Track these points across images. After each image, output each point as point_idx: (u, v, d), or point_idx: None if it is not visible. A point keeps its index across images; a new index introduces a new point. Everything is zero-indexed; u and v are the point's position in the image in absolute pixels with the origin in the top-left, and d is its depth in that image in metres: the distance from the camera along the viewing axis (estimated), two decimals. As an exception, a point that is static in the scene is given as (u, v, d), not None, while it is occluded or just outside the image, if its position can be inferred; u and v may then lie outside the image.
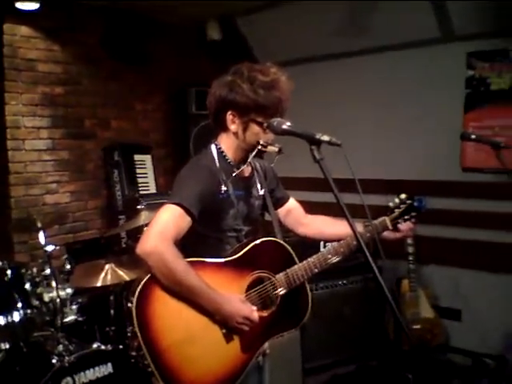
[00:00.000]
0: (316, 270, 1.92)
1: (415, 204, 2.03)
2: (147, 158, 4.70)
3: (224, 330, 1.79)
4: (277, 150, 1.84)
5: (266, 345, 1.95)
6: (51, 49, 4.18)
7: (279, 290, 1.90)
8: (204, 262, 1.83)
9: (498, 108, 3.72)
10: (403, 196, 2.03)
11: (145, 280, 1.73)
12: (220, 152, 1.92)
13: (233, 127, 1.87)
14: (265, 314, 1.88)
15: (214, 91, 1.88)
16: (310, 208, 4.79)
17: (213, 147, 1.93)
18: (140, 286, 1.73)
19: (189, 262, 1.76)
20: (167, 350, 1.71)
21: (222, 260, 1.85)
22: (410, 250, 3.80)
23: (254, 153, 1.89)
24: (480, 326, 3.85)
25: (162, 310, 1.74)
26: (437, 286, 4.04)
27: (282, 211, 2.19)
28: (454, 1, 3.56)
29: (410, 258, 3.80)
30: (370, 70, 4.30)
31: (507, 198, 3.51)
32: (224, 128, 1.91)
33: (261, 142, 1.84)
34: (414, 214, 2.01)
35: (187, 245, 1.84)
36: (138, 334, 1.70)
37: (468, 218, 3.84)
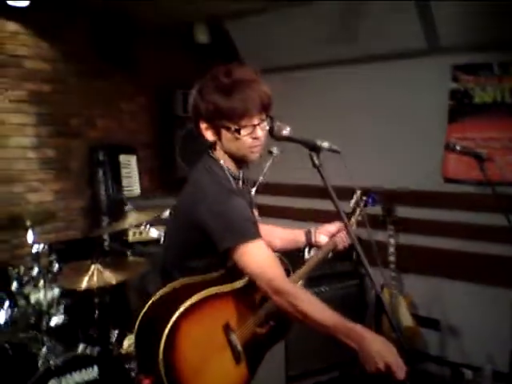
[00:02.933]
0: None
1: (369, 201, 2.28)
2: (132, 159, 4.68)
3: (236, 355, 1.76)
4: (276, 153, 1.85)
5: None
6: (39, 46, 4.15)
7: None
8: (217, 294, 1.76)
9: (481, 121, 3.79)
10: (358, 193, 2.22)
11: (171, 322, 1.62)
12: (226, 167, 1.84)
13: (209, 136, 1.80)
14: (266, 328, 1.91)
15: (190, 101, 1.82)
16: (300, 214, 4.82)
17: (222, 164, 1.84)
18: (168, 328, 1.61)
19: (204, 299, 1.71)
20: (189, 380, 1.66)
21: (233, 288, 1.81)
22: (391, 258, 3.85)
23: (268, 163, 1.89)
24: (458, 335, 3.91)
25: (189, 349, 1.65)
26: (417, 295, 4.07)
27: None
28: (441, 12, 3.62)
29: (391, 267, 3.85)
30: (356, 80, 4.34)
31: (488, 209, 3.55)
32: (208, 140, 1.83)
33: (273, 152, 1.83)
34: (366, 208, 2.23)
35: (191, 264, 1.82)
36: (163, 373, 1.59)
37: (449, 228, 3.89)
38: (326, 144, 1.64)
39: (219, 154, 1.84)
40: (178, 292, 1.75)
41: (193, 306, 1.68)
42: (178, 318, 1.63)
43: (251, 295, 1.88)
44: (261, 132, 1.77)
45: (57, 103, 4.27)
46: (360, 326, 1.58)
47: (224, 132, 1.76)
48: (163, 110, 4.96)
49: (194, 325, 1.68)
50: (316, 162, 1.63)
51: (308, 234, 2.27)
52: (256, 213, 2.08)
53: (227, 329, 1.76)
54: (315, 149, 1.64)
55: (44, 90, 4.18)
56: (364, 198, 2.28)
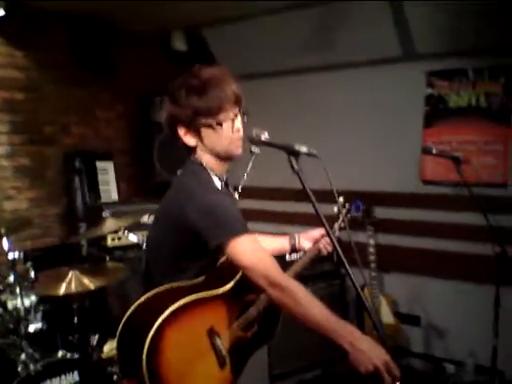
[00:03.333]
0: None
1: (352, 208, 2.37)
2: (109, 165, 4.63)
3: (221, 360, 1.75)
4: (257, 151, 1.85)
5: None
6: (12, 54, 4.08)
7: (261, 308, 1.92)
8: (201, 298, 1.74)
9: (456, 124, 3.87)
10: (341, 200, 2.23)
11: (155, 327, 1.60)
12: (209, 169, 1.84)
13: (190, 141, 1.80)
14: (250, 332, 1.90)
15: (162, 112, 1.84)
16: (280, 217, 4.84)
17: (206, 167, 1.83)
18: (151, 334, 1.59)
19: (188, 303, 1.69)
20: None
21: (218, 292, 1.79)
22: (372, 258, 3.89)
23: (251, 163, 1.89)
24: (439, 331, 3.99)
25: (173, 354, 1.64)
26: (397, 293, 4.15)
27: None
28: (415, 19, 3.69)
29: (372, 266, 3.90)
30: (333, 86, 4.39)
31: (464, 209, 3.64)
32: (187, 146, 1.83)
33: (254, 151, 1.84)
34: (353, 215, 2.32)
35: (184, 265, 1.81)
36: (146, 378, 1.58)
37: (427, 228, 3.98)
38: (304, 148, 1.64)
39: (202, 157, 1.84)
40: (162, 297, 1.73)
41: (177, 310, 1.67)
42: (162, 322, 1.62)
43: (236, 300, 1.87)
44: (239, 124, 1.81)
45: (30, 111, 4.20)
46: (352, 326, 1.60)
47: (204, 131, 1.78)
48: (141, 117, 4.93)
49: (178, 329, 1.66)
50: (295, 166, 1.64)
51: (292, 240, 2.28)
52: None
53: (212, 333, 1.75)
54: (294, 153, 1.65)
55: (17, 98, 4.10)
56: (347, 204, 2.31)
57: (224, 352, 1.77)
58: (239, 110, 1.82)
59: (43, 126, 4.32)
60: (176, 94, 1.78)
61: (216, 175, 1.85)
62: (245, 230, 1.70)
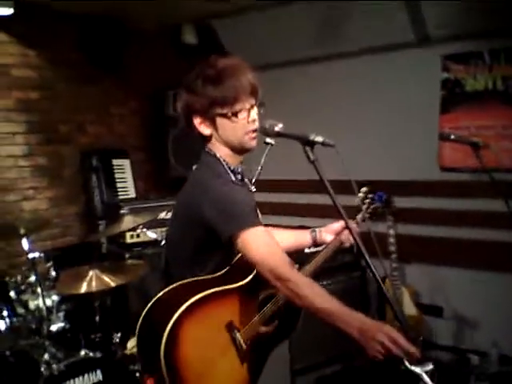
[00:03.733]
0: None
1: (375, 198, 2.19)
2: (126, 163, 4.65)
3: (241, 355, 1.75)
4: (273, 142, 1.83)
5: None
6: (25, 54, 4.10)
7: (280, 302, 1.88)
8: (219, 291, 1.75)
9: (473, 109, 3.79)
10: (364, 189, 2.15)
11: (174, 319, 1.62)
12: (223, 160, 1.83)
13: (205, 131, 1.81)
14: (271, 327, 1.90)
15: (178, 99, 1.86)
16: (297, 209, 4.81)
17: (220, 158, 1.83)
18: (169, 327, 1.61)
19: (205, 296, 1.70)
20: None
21: (235, 286, 1.79)
22: (392, 248, 3.84)
23: (265, 154, 1.87)
24: (462, 322, 3.93)
25: (192, 347, 1.65)
26: (419, 284, 4.10)
27: None
28: (428, 1, 3.62)
29: (393, 257, 3.85)
30: (348, 74, 4.34)
31: (485, 196, 3.58)
32: (203, 136, 1.83)
33: (269, 142, 1.81)
34: (376, 206, 2.16)
35: (199, 258, 1.82)
36: (164, 371, 1.59)
37: (447, 216, 3.91)
38: (319, 138, 1.61)
39: (216, 148, 1.84)
40: (180, 292, 1.73)
41: (194, 304, 1.67)
42: (179, 316, 1.62)
43: (255, 293, 1.86)
44: (255, 115, 1.80)
45: (45, 110, 4.23)
46: (361, 314, 1.58)
47: (220, 121, 1.78)
48: (154, 112, 4.93)
49: (196, 323, 1.66)
50: (311, 156, 1.61)
51: (313, 233, 2.24)
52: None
53: (231, 327, 1.74)
54: (309, 143, 1.61)
55: (32, 98, 4.14)
56: (371, 195, 2.21)
57: (244, 347, 1.76)
58: (255, 101, 1.81)
59: (58, 124, 4.35)
60: (192, 83, 1.78)
61: (230, 167, 1.84)
62: (257, 223, 1.70)
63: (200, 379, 1.65)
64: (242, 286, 1.80)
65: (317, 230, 2.25)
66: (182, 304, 1.64)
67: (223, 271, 1.81)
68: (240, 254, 1.78)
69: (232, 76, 1.74)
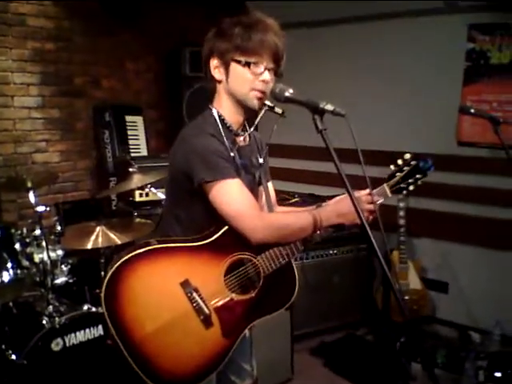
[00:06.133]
0: (302, 248, 1.81)
1: (420, 165, 1.86)
2: (139, 120, 4.61)
3: (202, 317, 1.69)
4: (280, 111, 1.77)
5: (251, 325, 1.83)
6: (42, 3, 4.04)
7: (261, 271, 1.77)
8: (176, 247, 1.73)
9: (497, 82, 3.67)
10: (407, 156, 1.87)
11: (114, 268, 1.64)
12: (220, 117, 1.81)
13: (217, 75, 1.79)
14: (246, 297, 1.77)
15: (203, 46, 1.83)
16: (307, 176, 4.78)
17: (214, 112, 1.82)
18: (109, 275, 1.64)
19: (159, 248, 1.72)
20: (143, 340, 1.63)
21: (197, 244, 1.74)
22: (401, 222, 3.81)
23: (260, 115, 1.81)
24: (466, 299, 3.90)
25: (134, 299, 1.66)
26: (425, 259, 4.08)
27: (260, 190, 1.99)
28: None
29: (401, 230, 3.82)
30: (372, 37, 4.23)
31: (502, 173, 3.51)
32: (214, 85, 1.82)
33: (267, 103, 1.76)
34: (418, 176, 1.86)
35: (179, 214, 1.81)
36: (109, 324, 1.64)
37: (461, 192, 3.84)
38: (329, 106, 1.53)
39: (220, 101, 1.83)
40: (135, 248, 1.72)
41: (139, 257, 1.68)
42: (119, 265, 1.65)
43: (221, 256, 1.75)
44: (268, 77, 1.75)
45: (61, 62, 4.19)
46: (320, 207, 1.80)
47: (233, 67, 1.75)
48: (170, 70, 4.86)
49: (139, 276, 1.67)
50: (319, 125, 1.54)
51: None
52: (269, 182, 2.04)
53: (186, 286, 1.69)
54: (318, 111, 1.55)
55: (48, 49, 4.10)
56: (414, 162, 1.85)
57: (206, 310, 1.70)
58: (275, 68, 1.78)
59: (73, 77, 4.31)
60: (223, 25, 1.77)
61: (225, 122, 1.82)
62: (232, 174, 1.71)
63: (152, 339, 1.65)
64: (202, 244, 1.74)
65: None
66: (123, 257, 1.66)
67: (201, 235, 1.77)
68: (226, 228, 1.74)
69: (263, 31, 1.73)
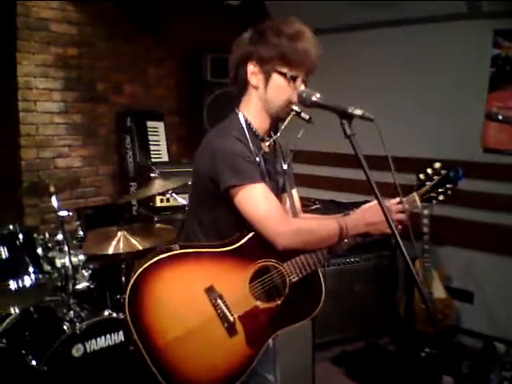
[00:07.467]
0: (328, 257, 1.75)
1: (451, 174, 1.78)
2: (160, 126, 4.63)
3: (226, 325, 1.66)
4: (307, 117, 1.74)
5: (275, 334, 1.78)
6: (65, 9, 4.08)
7: (287, 279, 1.72)
8: (201, 253, 1.70)
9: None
10: (437, 165, 1.80)
11: (138, 273, 1.62)
12: (246, 122, 1.78)
13: (254, 81, 1.75)
14: (271, 305, 1.73)
15: (235, 48, 1.79)
16: (327, 182, 4.72)
17: (240, 116, 1.78)
18: (132, 280, 1.61)
19: (183, 253, 1.69)
20: (166, 347, 1.61)
21: (222, 250, 1.71)
22: (425, 229, 3.74)
23: (287, 120, 1.77)
24: (492, 309, 3.82)
25: (157, 305, 1.63)
26: (450, 268, 4.00)
27: (284, 197, 1.95)
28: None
29: (425, 238, 3.75)
30: (397, 43, 4.18)
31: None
32: (245, 89, 1.78)
33: (295, 108, 1.73)
34: (449, 186, 1.77)
35: (202, 219, 1.79)
36: (133, 331, 1.61)
37: (486, 199, 3.76)
38: (358, 111, 1.50)
39: (248, 106, 1.80)
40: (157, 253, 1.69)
41: (164, 260, 1.65)
42: (144, 270, 1.62)
43: (246, 262, 1.71)
44: (303, 88, 1.73)
45: (83, 67, 4.22)
46: (347, 215, 1.74)
47: (276, 78, 1.73)
48: (191, 76, 4.87)
49: (162, 282, 1.64)
50: (348, 131, 1.51)
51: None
52: (294, 188, 2.00)
53: (211, 292, 1.66)
54: (347, 116, 1.52)
55: (70, 54, 4.13)
56: (444, 171, 1.79)
57: (230, 317, 1.66)
58: (307, 78, 1.77)
59: (96, 82, 4.34)
60: (263, 31, 1.73)
61: (251, 129, 1.79)
62: (257, 179, 1.67)
63: (176, 346, 1.62)
64: (228, 251, 1.70)
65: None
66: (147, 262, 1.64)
67: (226, 241, 1.73)
68: (252, 235, 1.71)
69: (308, 41, 1.71)
